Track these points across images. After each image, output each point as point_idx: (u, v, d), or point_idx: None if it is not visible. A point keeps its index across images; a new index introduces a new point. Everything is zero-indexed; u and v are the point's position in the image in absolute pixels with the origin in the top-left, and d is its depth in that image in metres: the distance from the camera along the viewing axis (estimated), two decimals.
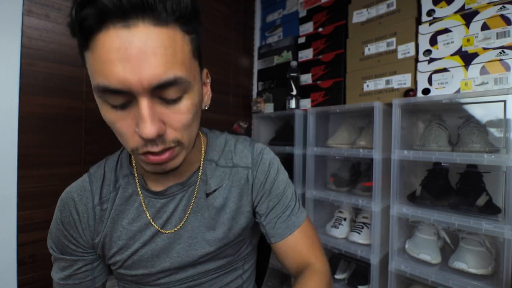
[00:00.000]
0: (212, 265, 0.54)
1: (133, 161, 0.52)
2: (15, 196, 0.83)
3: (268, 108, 1.50)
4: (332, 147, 1.17)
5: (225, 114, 1.46)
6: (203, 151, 0.54)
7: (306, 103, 1.34)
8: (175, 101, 0.37)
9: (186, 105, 0.38)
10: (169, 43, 0.35)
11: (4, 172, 0.81)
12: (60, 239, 0.50)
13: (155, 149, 0.37)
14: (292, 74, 1.32)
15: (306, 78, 1.35)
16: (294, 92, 1.33)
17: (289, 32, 1.48)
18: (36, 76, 0.87)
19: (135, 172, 0.51)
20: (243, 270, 0.60)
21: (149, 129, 0.35)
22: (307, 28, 1.38)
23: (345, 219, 1.18)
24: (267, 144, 1.44)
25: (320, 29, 1.32)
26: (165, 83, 0.35)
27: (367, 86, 1.13)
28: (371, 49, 1.12)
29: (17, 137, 0.83)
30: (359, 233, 1.08)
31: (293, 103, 1.33)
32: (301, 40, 1.40)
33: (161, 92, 0.36)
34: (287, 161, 1.30)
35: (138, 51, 0.33)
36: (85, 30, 0.33)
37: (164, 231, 0.50)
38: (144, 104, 0.35)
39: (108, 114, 0.37)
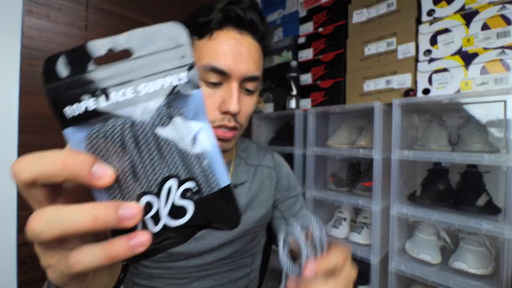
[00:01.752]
0: (227, 250, 0.57)
1: None
2: (15, 196, 0.83)
3: (268, 108, 1.50)
4: (332, 147, 1.17)
5: None
6: (234, 149, 0.63)
7: (306, 103, 1.34)
8: (251, 93, 0.52)
9: (253, 99, 0.53)
10: (259, 53, 0.52)
11: (4, 172, 0.82)
12: None
13: (229, 123, 0.48)
14: (292, 74, 1.32)
15: (306, 78, 1.35)
16: (294, 92, 1.33)
17: (289, 32, 1.48)
18: (36, 76, 0.87)
19: None
20: (251, 269, 0.62)
21: (235, 105, 0.47)
22: (307, 28, 1.38)
23: (345, 219, 1.18)
24: (267, 144, 1.44)
25: (320, 29, 1.32)
26: (253, 76, 0.50)
27: (367, 86, 1.13)
28: (371, 49, 1.12)
29: (17, 137, 0.83)
30: (359, 233, 1.08)
31: (293, 103, 1.33)
32: (301, 40, 1.39)
33: (246, 83, 0.50)
34: (287, 161, 1.29)
35: (245, 51, 0.48)
36: (214, 26, 0.47)
37: None
38: (235, 86, 0.48)
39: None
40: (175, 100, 0.19)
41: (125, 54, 0.18)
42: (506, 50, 0.82)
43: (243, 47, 0.48)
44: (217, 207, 0.19)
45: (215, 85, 0.48)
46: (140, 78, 0.18)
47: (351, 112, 1.24)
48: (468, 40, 0.90)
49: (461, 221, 0.81)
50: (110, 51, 0.18)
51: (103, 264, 0.18)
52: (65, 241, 0.19)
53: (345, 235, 1.14)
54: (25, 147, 0.84)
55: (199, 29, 0.49)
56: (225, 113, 0.48)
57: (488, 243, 0.86)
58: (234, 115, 0.49)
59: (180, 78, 0.19)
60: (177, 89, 0.19)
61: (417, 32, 1.01)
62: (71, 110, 0.17)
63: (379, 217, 0.98)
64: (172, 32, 0.18)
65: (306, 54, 1.37)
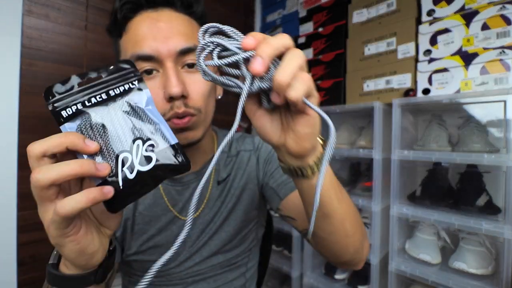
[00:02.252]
0: (220, 257, 0.55)
1: None
2: (15, 196, 0.83)
3: None
4: None
5: (225, 114, 1.46)
6: (215, 143, 0.60)
7: None
8: (195, 70, 0.44)
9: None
10: (188, 24, 0.45)
11: (4, 172, 0.82)
12: None
13: (178, 110, 0.42)
14: None
15: None
16: None
17: (289, 32, 1.48)
18: (36, 76, 0.87)
19: None
20: (246, 268, 0.61)
21: (175, 87, 0.41)
22: (307, 28, 1.38)
23: None
24: None
25: (320, 29, 1.32)
26: (186, 49, 0.43)
27: (367, 86, 1.13)
28: (371, 49, 1.12)
29: (17, 137, 0.83)
30: None
31: None
32: (301, 40, 1.39)
33: (183, 58, 0.43)
34: None
35: (165, 26, 0.42)
36: (122, 18, 0.44)
37: (182, 217, 0.52)
38: (170, 65, 0.42)
39: None
40: (133, 95, 0.30)
41: (99, 78, 0.29)
42: (506, 50, 0.83)
43: (161, 22, 0.43)
44: (170, 155, 0.29)
45: (150, 73, 0.43)
46: (110, 86, 0.29)
47: (351, 112, 1.24)
48: (468, 40, 0.90)
49: (461, 221, 0.81)
50: (89, 78, 0.29)
51: (85, 205, 0.24)
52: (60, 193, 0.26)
53: None
54: (25, 147, 0.84)
55: (115, 28, 0.46)
56: (171, 99, 0.42)
57: (488, 243, 0.86)
58: (182, 99, 0.43)
59: (133, 83, 0.30)
60: (133, 89, 0.30)
61: (417, 32, 1.01)
62: (65, 112, 0.27)
63: (379, 217, 0.98)
64: (125, 64, 0.31)
65: (306, 54, 1.37)
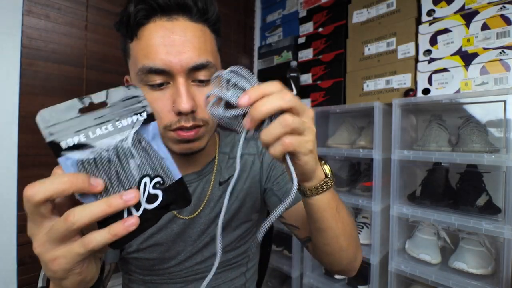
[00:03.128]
0: (221, 257, 0.54)
1: None
2: (15, 196, 0.83)
3: None
4: (332, 147, 1.17)
5: None
6: (217, 145, 0.60)
7: (306, 103, 1.34)
8: (206, 84, 0.45)
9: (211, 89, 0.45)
10: (201, 34, 0.44)
11: (4, 172, 0.82)
12: None
13: (187, 124, 0.43)
14: (292, 74, 1.32)
15: (306, 78, 1.35)
16: (294, 92, 1.33)
17: (289, 32, 1.48)
18: (36, 76, 0.87)
19: None
20: (246, 268, 0.61)
21: (185, 103, 0.41)
22: (307, 28, 1.38)
23: None
24: None
25: (320, 29, 1.32)
26: (199, 65, 0.43)
27: (367, 86, 1.13)
28: (371, 49, 1.12)
29: (17, 137, 0.83)
30: (359, 233, 1.08)
31: None
32: (301, 40, 1.39)
33: (195, 73, 0.43)
34: None
35: (179, 39, 0.41)
36: (135, 23, 0.42)
37: (181, 217, 0.52)
38: (182, 82, 0.42)
39: (148, 95, 0.43)
40: (141, 128, 0.28)
41: (103, 105, 0.27)
42: (506, 50, 0.83)
43: (175, 34, 0.41)
44: (176, 192, 0.29)
45: (160, 86, 0.43)
46: (117, 117, 0.27)
47: (351, 112, 1.24)
48: (468, 40, 0.90)
49: (461, 221, 0.81)
50: (92, 104, 0.27)
51: (109, 240, 0.24)
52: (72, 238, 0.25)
53: None
54: (25, 147, 0.85)
55: (126, 30, 0.44)
56: (180, 114, 0.42)
57: (488, 243, 0.86)
58: (190, 113, 0.43)
59: (142, 116, 0.28)
60: (141, 121, 0.28)
61: (417, 32, 1.01)
62: (65, 143, 0.25)
63: (379, 217, 0.98)
64: (131, 92, 0.28)
65: (306, 54, 1.37)
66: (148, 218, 0.27)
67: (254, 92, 0.28)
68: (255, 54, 1.64)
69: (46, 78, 0.88)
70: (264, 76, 1.58)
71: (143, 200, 0.27)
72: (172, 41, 0.41)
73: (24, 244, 0.84)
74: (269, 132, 0.28)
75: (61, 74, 0.92)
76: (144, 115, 0.29)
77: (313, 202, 0.37)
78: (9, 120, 0.82)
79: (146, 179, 0.27)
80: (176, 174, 0.29)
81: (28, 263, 0.86)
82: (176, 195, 0.29)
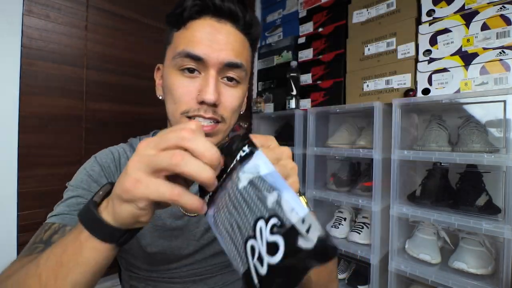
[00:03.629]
0: (222, 258, 0.56)
1: None
2: (15, 196, 0.83)
3: (268, 108, 1.50)
4: (332, 147, 1.17)
5: None
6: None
7: (306, 103, 1.34)
8: (234, 84, 0.48)
9: (238, 92, 0.49)
10: (242, 43, 0.49)
11: (4, 172, 0.82)
12: (89, 178, 0.50)
13: (206, 114, 0.45)
14: (292, 74, 1.32)
15: (306, 78, 1.35)
16: (294, 92, 1.33)
17: (289, 32, 1.48)
18: (36, 76, 0.87)
19: None
20: None
21: (211, 94, 0.44)
22: (307, 28, 1.38)
23: (345, 219, 1.18)
24: None
25: (320, 29, 1.32)
26: (234, 63, 0.46)
27: (367, 86, 1.13)
28: (371, 49, 1.12)
29: (17, 137, 0.83)
30: (359, 233, 1.08)
31: (293, 103, 1.33)
32: (301, 40, 1.40)
33: (227, 70, 0.47)
34: None
35: (222, 39, 0.45)
36: (188, 16, 0.46)
37: (187, 214, 0.53)
38: (213, 74, 0.45)
39: (176, 79, 0.46)
40: (247, 164, 0.25)
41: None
42: (506, 50, 0.83)
43: (221, 34, 0.46)
44: (301, 234, 0.19)
45: (191, 72, 0.46)
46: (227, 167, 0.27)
47: (351, 112, 1.24)
48: (468, 40, 0.90)
49: (461, 221, 0.81)
50: None
51: (189, 206, 0.26)
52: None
53: (345, 235, 1.14)
54: (25, 147, 0.84)
55: (176, 20, 0.47)
56: (202, 103, 0.45)
57: (488, 243, 0.86)
58: (212, 106, 0.45)
59: (244, 149, 0.26)
60: (245, 156, 0.25)
61: (417, 32, 1.01)
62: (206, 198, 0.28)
63: (379, 217, 0.98)
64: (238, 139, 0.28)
65: (306, 54, 1.37)
66: (283, 277, 0.20)
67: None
68: (255, 54, 1.63)
69: (46, 78, 0.88)
70: (264, 76, 1.58)
71: (263, 251, 0.21)
72: (216, 39, 0.45)
73: (24, 244, 0.84)
74: None
75: (61, 74, 0.91)
76: (246, 148, 0.26)
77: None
78: (9, 120, 0.82)
79: (261, 222, 0.22)
80: (300, 210, 0.20)
81: None
82: (303, 237, 0.19)
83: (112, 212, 0.28)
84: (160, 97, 0.54)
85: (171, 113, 0.49)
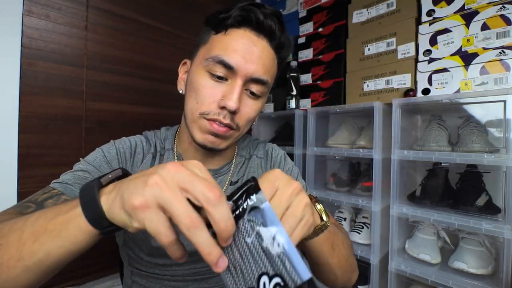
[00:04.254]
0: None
1: (176, 141, 0.60)
2: (15, 196, 0.83)
3: (268, 108, 1.50)
4: (332, 147, 1.17)
5: None
6: (235, 150, 0.64)
7: (306, 103, 1.34)
8: (255, 97, 0.51)
9: (257, 105, 0.52)
10: (272, 60, 0.51)
11: (4, 172, 0.82)
12: (103, 158, 0.52)
13: (223, 120, 0.48)
14: (292, 74, 1.32)
15: (306, 78, 1.35)
16: (294, 92, 1.33)
17: (289, 32, 1.47)
18: (36, 76, 0.87)
19: (175, 149, 0.59)
20: None
21: (234, 102, 0.46)
22: (307, 28, 1.38)
23: (345, 219, 1.18)
24: None
25: (320, 29, 1.32)
26: (260, 79, 0.49)
27: (367, 86, 1.13)
28: (371, 49, 1.12)
29: (17, 137, 0.83)
30: (359, 233, 1.08)
31: (293, 103, 1.33)
32: (301, 40, 1.39)
33: (252, 84, 0.49)
34: None
35: (256, 52, 0.48)
36: (230, 23, 0.48)
37: None
38: (239, 84, 0.47)
39: (204, 80, 0.49)
40: (254, 214, 0.25)
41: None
42: (506, 50, 0.83)
43: (256, 48, 0.48)
44: None
45: (220, 78, 0.48)
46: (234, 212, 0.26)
47: (351, 112, 1.24)
48: (468, 40, 0.90)
49: (461, 221, 0.81)
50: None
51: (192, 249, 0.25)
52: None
53: None
54: (25, 147, 0.84)
55: (217, 24, 0.49)
56: (223, 108, 0.47)
57: (488, 243, 0.86)
58: (231, 113, 0.48)
59: (251, 198, 0.25)
60: (252, 205, 0.25)
61: (417, 32, 1.01)
62: None
63: (379, 217, 0.98)
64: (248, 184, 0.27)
65: (306, 54, 1.37)
66: None
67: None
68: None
69: (46, 78, 0.88)
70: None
71: None
72: (251, 51, 0.47)
73: None
74: (289, 225, 0.29)
75: (61, 74, 0.92)
76: (253, 197, 0.25)
77: (310, 244, 0.40)
78: (9, 120, 0.82)
79: (265, 279, 0.23)
80: (304, 274, 0.22)
81: None
82: None
83: (109, 204, 0.28)
84: (181, 91, 0.56)
85: (190, 111, 0.50)
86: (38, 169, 0.87)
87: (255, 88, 0.50)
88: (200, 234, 0.24)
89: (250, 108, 0.51)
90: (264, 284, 0.23)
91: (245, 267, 0.24)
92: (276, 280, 0.22)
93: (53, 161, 0.90)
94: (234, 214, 0.26)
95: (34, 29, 0.86)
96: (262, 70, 0.49)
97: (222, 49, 0.47)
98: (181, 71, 0.58)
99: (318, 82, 1.30)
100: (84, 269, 0.97)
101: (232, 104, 0.46)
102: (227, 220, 0.24)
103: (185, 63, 0.58)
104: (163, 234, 0.24)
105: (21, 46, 0.84)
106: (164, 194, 0.24)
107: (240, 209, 0.26)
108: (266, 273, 0.23)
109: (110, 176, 0.32)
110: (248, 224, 0.25)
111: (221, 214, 0.24)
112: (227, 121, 0.48)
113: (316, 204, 0.41)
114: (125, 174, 0.35)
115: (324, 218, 0.40)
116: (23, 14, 0.84)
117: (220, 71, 0.47)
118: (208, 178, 0.26)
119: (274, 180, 0.31)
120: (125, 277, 0.62)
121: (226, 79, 0.48)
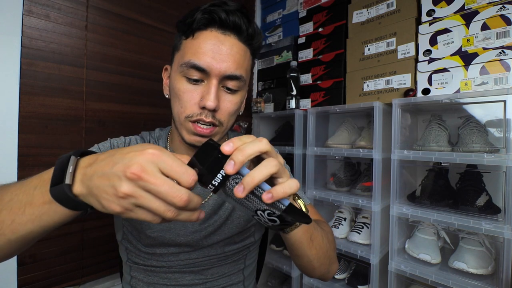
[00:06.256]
0: (219, 249, 0.59)
1: (168, 140, 0.63)
2: None
3: (268, 108, 1.50)
4: (332, 147, 1.17)
5: None
6: None
7: (306, 103, 1.34)
8: (233, 92, 0.53)
9: (236, 98, 0.54)
10: (243, 54, 0.52)
11: (4, 172, 0.82)
12: (98, 150, 0.55)
13: (206, 118, 0.50)
14: (292, 74, 1.32)
15: (306, 78, 1.35)
16: (294, 92, 1.33)
17: (289, 32, 1.48)
18: (36, 76, 0.87)
19: (168, 147, 0.61)
20: (244, 265, 0.64)
21: (212, 101, 0.49)
22: (307, 28, 1.38)
23: (345, 219, 1.18)
24: None
25: (320, 29, 1.32)
26: (233, 76, 0.50)
27: (367, 86, 1.13)
28: (371, 49, 1.12)
29: (17, 137, 0.83)
30: (359, 233, 1.08)
31: (293, 103, 1.33)
32: (301, 40, 1.40)
33: (227, 81, 0.51)
34: (287, 161, 1.29)
35: (225, 50, 0.49)
36: (197, 27, 0.50)
37: None
38: (214, 84, 0.49)
39: (182, 85, 0.51)
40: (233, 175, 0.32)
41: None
42: (506, 50, 0.83)
43: (224, 46, 0.49)
44: (293, 213, 0.32)
45: (196, 81, 0.50)
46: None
47: (351, 112, 1.24)
48: (468, 40, 0.90)
49: (460, 221, 0.81)
50: None
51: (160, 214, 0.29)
52: None
53: (345, 235, 1.14)
54: (25, 147, 0.84)
55: (185, 29, 0.51)
56: (203, 108, 0.50)
57: (487, 243, 0.86)
58: (212, 111, 0.50)
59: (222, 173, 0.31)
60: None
61: (417, 32, 1.01)
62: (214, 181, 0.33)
63: (379, 217, 0.98)
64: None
65: (306, 54, 1.37)
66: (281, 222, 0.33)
67: (236, 141, 0.32)
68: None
69: (46, 78, 0.88)
70: (264, 76, 1.58)
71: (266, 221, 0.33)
72: (220, 50, 0.49)
73: None
74: (260, 171, 0.31)
75: (61, 74, 0.91)
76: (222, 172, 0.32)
77: (289, 236, 0.43)
78: (9, 120, 0.82)
79: (260, 211, 0.32)
80: (285, 201, 0.32)
81: (28, 263, 0.86)
82: (293, 216, 0.32)
83: (83, 188, 0.32)
84: (167, 96, 0.58)
85: (177, 114, 0.53)
86: (38, 169, 0.87)
87: (230, 84, 0.52)
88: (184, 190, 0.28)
89: (229, 103, 0.53)
90: (261, 213, 0.32)
91: (244, 209, 0.33)
92: (268, 211, 0.32)
93: (53, 161, 0.89)
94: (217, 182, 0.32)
95: (34, 29, 0.86)
96: (234, 66, 0.50)
97: (193, 54, 0.49)
98: (164, 76, 0.60)
99: (318, 82, 1.30)
100: (84, 269, 0.97)
101: (210, 103, 0.48)
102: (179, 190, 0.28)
103: (166, 68, 0.60)
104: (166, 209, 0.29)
105: (21, 46, 0.84)
106: (152, 179, 0.28)
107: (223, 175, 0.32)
108: (260, 209, 0.32)
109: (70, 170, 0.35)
110: (233, 181, 0.31)
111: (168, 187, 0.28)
112: (209, 119, 0.50)
113: (297, 199, 0.44)
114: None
115: (304, 210, 0.42)
116: (23, 14, 0.84)
117: (195, 74, 0.49)
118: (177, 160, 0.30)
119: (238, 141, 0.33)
120: (124, 275, 0.64)
121: (202, 81, 0.50)
